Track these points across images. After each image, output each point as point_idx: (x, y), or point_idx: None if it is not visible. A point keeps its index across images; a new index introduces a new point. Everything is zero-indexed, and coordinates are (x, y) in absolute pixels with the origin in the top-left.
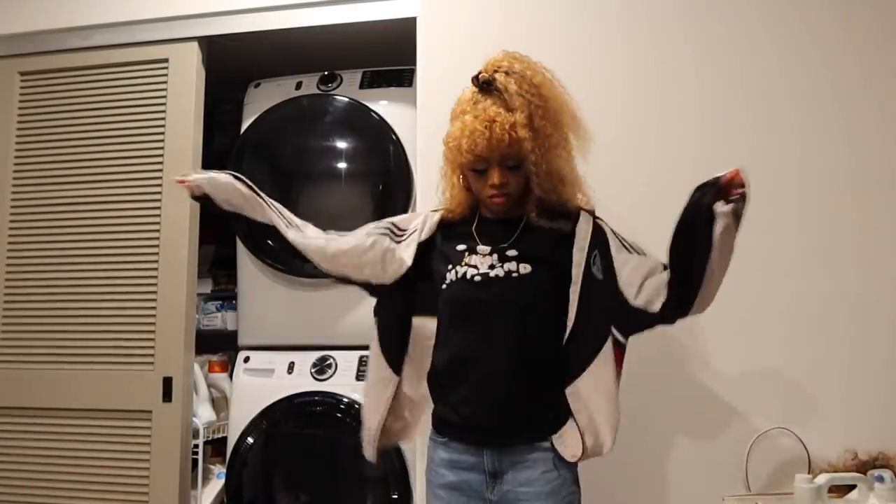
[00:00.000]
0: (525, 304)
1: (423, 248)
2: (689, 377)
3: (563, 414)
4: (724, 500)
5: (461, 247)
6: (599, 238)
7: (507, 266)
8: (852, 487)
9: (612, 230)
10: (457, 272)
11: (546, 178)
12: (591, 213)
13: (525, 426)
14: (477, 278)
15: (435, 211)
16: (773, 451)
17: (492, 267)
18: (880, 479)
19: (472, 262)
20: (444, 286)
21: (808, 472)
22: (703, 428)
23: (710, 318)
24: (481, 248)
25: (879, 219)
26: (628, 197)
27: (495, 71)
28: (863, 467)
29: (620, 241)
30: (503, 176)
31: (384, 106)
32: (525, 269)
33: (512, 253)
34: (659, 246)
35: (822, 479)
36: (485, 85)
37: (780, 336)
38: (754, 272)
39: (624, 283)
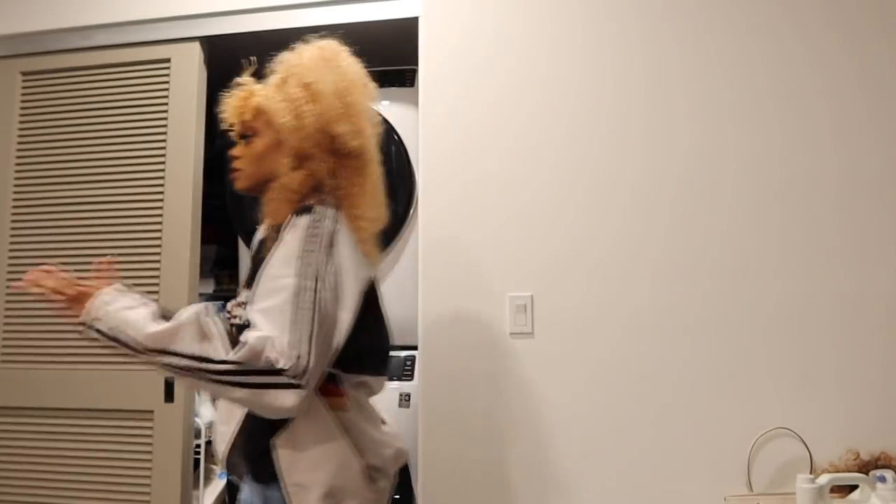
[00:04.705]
0: None
1: None
2: (690, 376)
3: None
4: (726, 499)
5: None
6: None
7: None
8: (854, 487)
9: (299, 228)
10: None
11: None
12: (303, 209)
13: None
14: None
15: None
16: (775, 451)
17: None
18: (882, 479)
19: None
20: None
21: (810, 472)
22: (704, 427)
23: (712, 316)
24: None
25: (890, 216)
26: (616, 196)
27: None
28: (865, 467)
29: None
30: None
31: (386, 106)
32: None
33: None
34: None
35: (824, 479)
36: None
37: (782, 335)
38: (757, 272)
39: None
